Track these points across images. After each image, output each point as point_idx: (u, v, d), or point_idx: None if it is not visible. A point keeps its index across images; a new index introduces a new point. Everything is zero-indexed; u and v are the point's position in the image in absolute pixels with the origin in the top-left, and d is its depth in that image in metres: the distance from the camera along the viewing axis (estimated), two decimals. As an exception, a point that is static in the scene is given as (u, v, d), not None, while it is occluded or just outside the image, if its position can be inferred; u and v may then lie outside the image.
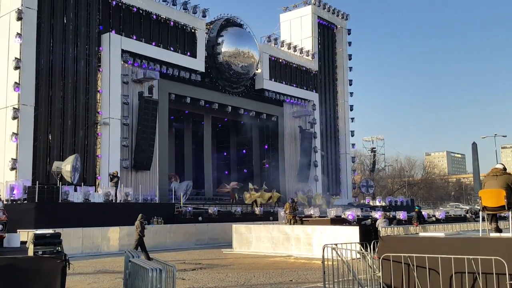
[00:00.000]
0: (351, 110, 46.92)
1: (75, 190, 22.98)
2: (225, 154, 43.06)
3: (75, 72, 26.90)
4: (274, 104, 39.76)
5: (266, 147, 41.03)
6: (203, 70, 33.47)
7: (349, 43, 48.06)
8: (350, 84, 47.21)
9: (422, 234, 8.53)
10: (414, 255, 7.07)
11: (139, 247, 16.06)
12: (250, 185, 34.46)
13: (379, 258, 7.74)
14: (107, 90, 27.83)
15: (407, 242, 7.90)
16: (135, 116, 29.20)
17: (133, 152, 28.87)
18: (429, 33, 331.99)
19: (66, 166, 22.46)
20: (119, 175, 25.37)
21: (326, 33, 46.36)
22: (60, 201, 21.52)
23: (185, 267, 14.86)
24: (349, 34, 48.23)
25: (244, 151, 42.46)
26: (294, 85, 41.14)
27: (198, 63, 33.12)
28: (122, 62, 28.79)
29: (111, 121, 27.64)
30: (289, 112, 41.13)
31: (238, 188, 35.29)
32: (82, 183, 24.37)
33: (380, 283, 7.71)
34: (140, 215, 16.87)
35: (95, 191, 24.68)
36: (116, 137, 27.86)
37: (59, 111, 26.11)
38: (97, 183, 26.74)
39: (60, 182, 22.24)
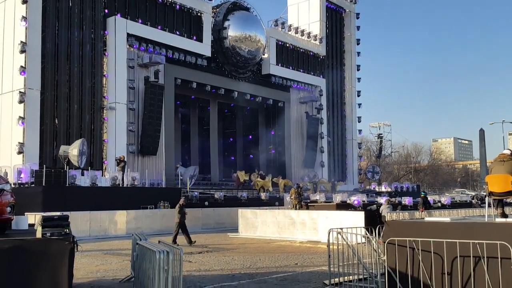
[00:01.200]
0: (358, 95, 46.59)
1: (82, 174, 23.16)
2: (231, 139, 43.10)
3: (81, 56, 26.89)
4: (280, 90, 39.56)
5: (272, 132, 40.99)
6: (209, 55, 33.31)
7: (358, 28, 47.46)
8: (358, 70, 46.78)
9: (427, 219, 8.56)
10: (419, 239, 7.11)
11: (179, 230, 16.51)
12: (256, 173, 34.61)
13: (384, 242, 7.79)
14: (112, 74, 27.83)
15: (412, 227, 7.93)
16: (141, 101, 29.20)
17: (140, 137, 28.97)
18: (438, 20, 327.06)
19: (73, 150, 22.64)
20: (125, 159, 25.52)
21: (334, 17, 45.82)
22: (67, 185, 21.74)
23: (192, 250, 15.02)
24: (357, 18, 47.59)
25: (250, 136, 42.46)
26: (301, 71, 40.87)
27: (204, 48, 32.95)
28: (128, 46, 28.71)
29: (117, 105, 27.69)
30: (295, 98, 40.93)
31: (243, 181, 34.95)
32: (89, 167, 24.58)
33: (384, 266, 7.77)
34: (182, 198, 17.38)
35: (102, 175, 24.87)
36: (122, 122, 27.94)
37: (65, 95, 26.20)
38: (104, 168, 26.93)
39: (67, 166, 22.43)
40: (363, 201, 22.75)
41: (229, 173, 38.65)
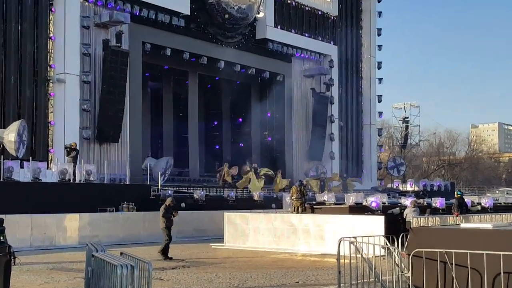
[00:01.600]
0: (379, 68, 46.84)
1: (22, 166, 23.13)
2: (215, 123, 43.20)
3: (20, 13, 26.63)
4: (280, 59, 39.62)
5: (268, 114, 41.09)
6: (188, 13, 33.15)
7: (379, -21, 47.51)
8: (379, 35, 46.98)
9: (463, 225, 8.68)
10: (452, 250, 7.20)
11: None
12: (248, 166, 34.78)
13: (409, 254, 7.89)
14: (61, 36, 27.68)
15: (444, 235, 8.03)
16: (98, 72, 29.14)
17: (97, 118, 28.95)
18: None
19: (9, 135, 22.47)
20: (78, 147, 25.50)
21: (348, -34, 45.76)
22: (2, 179, 21.69)
23: (164, 265, 15.14)
24: (378, -32, 47.62)
25: (240, 119, 42.57)
26: (307, 35, 40.90)
27: (181, 3, 32.78)
28: (82, 0, 28.51)
29: (68, 77, 27.58)
30: (299, 70, 41.05)
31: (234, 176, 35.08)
32: (31, 158, 24.51)
33: (409, 285, 7.87)
34: (169, 198, 17.93)
35: (47, 168, 24.88)
36: (74, 99, 27.87)
37: None
38: (49, 158, 26.93)
39: (2, 156, 22.35)
40: (383, 202, 22.97)
41: (212, 167, 38.76)
